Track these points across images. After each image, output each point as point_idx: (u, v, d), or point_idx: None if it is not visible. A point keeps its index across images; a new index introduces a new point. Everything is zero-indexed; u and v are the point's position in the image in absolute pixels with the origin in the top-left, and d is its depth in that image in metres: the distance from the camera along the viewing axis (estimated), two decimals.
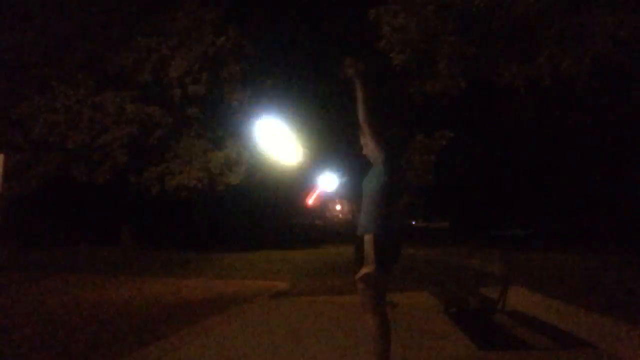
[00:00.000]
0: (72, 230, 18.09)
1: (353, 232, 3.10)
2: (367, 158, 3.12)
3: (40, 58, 14.30)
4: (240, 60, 15.64)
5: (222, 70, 15.27)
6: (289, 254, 15.34)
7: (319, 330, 4.81)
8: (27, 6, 14.16)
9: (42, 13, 14.09)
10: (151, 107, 14.21)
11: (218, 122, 15.69)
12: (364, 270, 2.79)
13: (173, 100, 14.69)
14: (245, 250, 15.84)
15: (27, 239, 15.98)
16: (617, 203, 19.84)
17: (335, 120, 18.53)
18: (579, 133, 15.40)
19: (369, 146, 3.01)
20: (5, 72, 14.10)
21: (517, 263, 9.51)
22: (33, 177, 14.16)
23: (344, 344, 4.22)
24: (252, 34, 16.01)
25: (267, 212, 24.81)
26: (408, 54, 8.32)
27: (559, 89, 7.88)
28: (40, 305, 6.34)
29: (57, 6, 14.12)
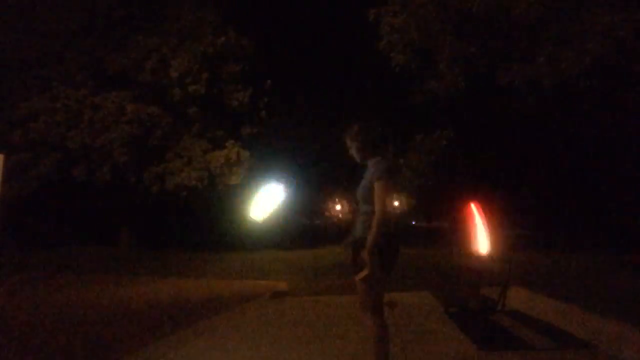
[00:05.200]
0: (72, 231, 18.07)
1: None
2: (353, 159, 3.18)
3: (40, 58, 14.30)
4: (240, 60, 15.65)
5: (222, 70, 15.27)
6: (289, 254, 15.34)
7: (319, 330, 4.81)
8: (27, 6, 14.16)
9: (42, 13, 14.09)
10: (151, 107, 14.22)
11: (218, 122, 15.69)
12: (367, 270, 2.81)
13: (173, 100, 14.69)
14: (245, 250, 15.83)
15: (27, 239, 15.96)
16: (617, 203, 19.84)
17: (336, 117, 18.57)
18: (579, 133, 15.39)
19: (355, 147, 3.11)
20: (5, 72, 14.10)
21: (517, 263, 9.49)
22: (33, 177, 14.15)
23: (344, 344, 4.22)
24: (252, 34, 16.02)
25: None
26: (408, 54, 8.33)
27: (559, 89, 7.88)
28: (40, 305, 6.33)
29: (57, 6, 14.12)
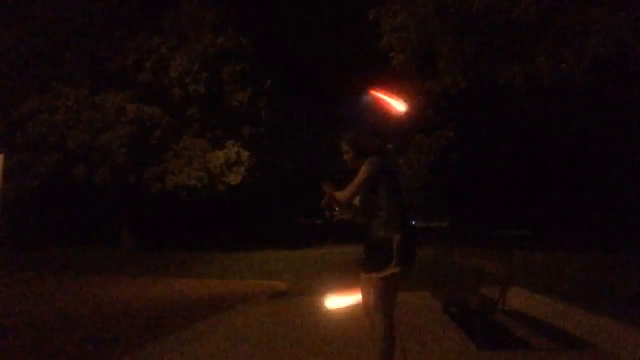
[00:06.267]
0: (72, 231, 18.07)
1: (354, 233, 3.16)
2: (348, 165, 3.16)
3: (40, 58, 14.29)
4: (240, 60, 15.64)
5: (222, 70, 15.27)
6: (289, 254, 15.33)
7: (319, 330, 4.81)
8: (27, 6, 14.15)
9: (42, 13, 14.08)
10: (151, 107, 14.21)
11: (218, 122, 15.69)
12: (390, 270, 2.81)
13: (173, 100, 14.69)
14: (245, 250, 15.82)
15: (27, 239, 15.96)
16: (618, 202, 19.84)
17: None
18: (579, 133, 15.38)
19: (351, 153, 3.10)
20: (5, 72, 14.10)
21: (517, 263, 9.49)
22: (33, 177, 14.15)
23: (344, 344, 4.22)
24: (252, 34, 16.01)
25: (267, 212, 24.85)
26: (408, 54, 8.33)
27: (559, 89, 7.87)
28: (39, 305, 6.33)
29: (57, 6, 14.11)
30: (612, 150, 16.18)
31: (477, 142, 20.33)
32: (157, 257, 13.78)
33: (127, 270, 10.71)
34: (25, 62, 14.20)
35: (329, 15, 20.79)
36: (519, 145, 20.76)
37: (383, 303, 2.84)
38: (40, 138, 13.72)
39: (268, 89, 16.25)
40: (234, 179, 15.20)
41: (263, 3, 17.68)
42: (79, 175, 14.30)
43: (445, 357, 3.84)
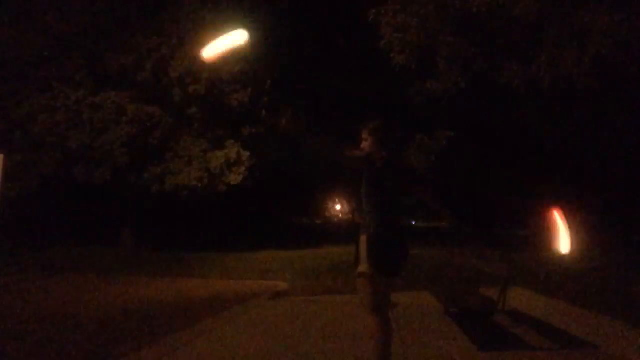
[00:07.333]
0: (72, 231, 18.06)
1: (353, 232, 3.16)
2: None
3: (40, 58, 14.28)
4: (240, 60, 15.63)
5: (222, 70, 15.25)
6: (289, 254, 15.33)
7: (319, 330, 4.82)
8: (27, 6, 14.15)
9: (42, 13, 14.08)
10: (151, 107, 14.21)
11: (218, 122, 15.67)
12: (359, 269, 2.86)
13: (173, 100, 14.68)
14: (245, 250, 15.83)
15: (27, 239, 15.96)
16: (617, 203, 19.84)
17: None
18: (579, 132, 15.39)
19: (370, 142, 3.04)
20: (5, 72, 14.09)
21: (517, 263, 9.50)
22: (33, 177, 14.13)
23: (344, 344, 4.22)
24: (251, 34, 16.00)
25: (267, 212, 24.86)
26: (408, 54, 8.34)
27: (559, 89, 7.88)
28: (40, 305, 6.34)
29: (57, 6, 14.11)
30: (612, 150, 16.19)
31: (477, 142, 20.33)
32: (157, 257, 13.78)
33: (127, 270, 10.71)
34: (25, 62, 14.19)
35: (328, 15, 20.79)
36: (518, 146, 20.77)
37: (367, 301, 2.85)
38: (40, 138, 13.70)
39: (268, 89, 16.25)
40: (234, 179, 15.19)
41: (262, 3, 17.65)
42: (79, 175, 14.29)
43: (445, 357, 3.84)
